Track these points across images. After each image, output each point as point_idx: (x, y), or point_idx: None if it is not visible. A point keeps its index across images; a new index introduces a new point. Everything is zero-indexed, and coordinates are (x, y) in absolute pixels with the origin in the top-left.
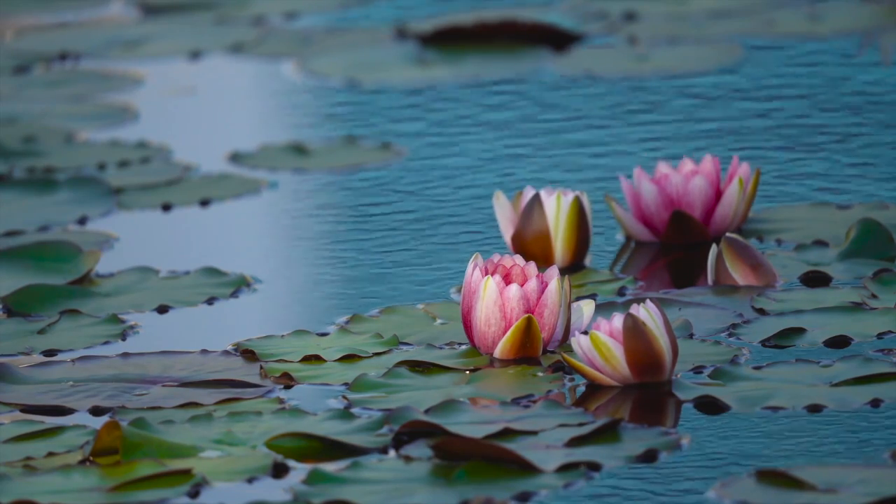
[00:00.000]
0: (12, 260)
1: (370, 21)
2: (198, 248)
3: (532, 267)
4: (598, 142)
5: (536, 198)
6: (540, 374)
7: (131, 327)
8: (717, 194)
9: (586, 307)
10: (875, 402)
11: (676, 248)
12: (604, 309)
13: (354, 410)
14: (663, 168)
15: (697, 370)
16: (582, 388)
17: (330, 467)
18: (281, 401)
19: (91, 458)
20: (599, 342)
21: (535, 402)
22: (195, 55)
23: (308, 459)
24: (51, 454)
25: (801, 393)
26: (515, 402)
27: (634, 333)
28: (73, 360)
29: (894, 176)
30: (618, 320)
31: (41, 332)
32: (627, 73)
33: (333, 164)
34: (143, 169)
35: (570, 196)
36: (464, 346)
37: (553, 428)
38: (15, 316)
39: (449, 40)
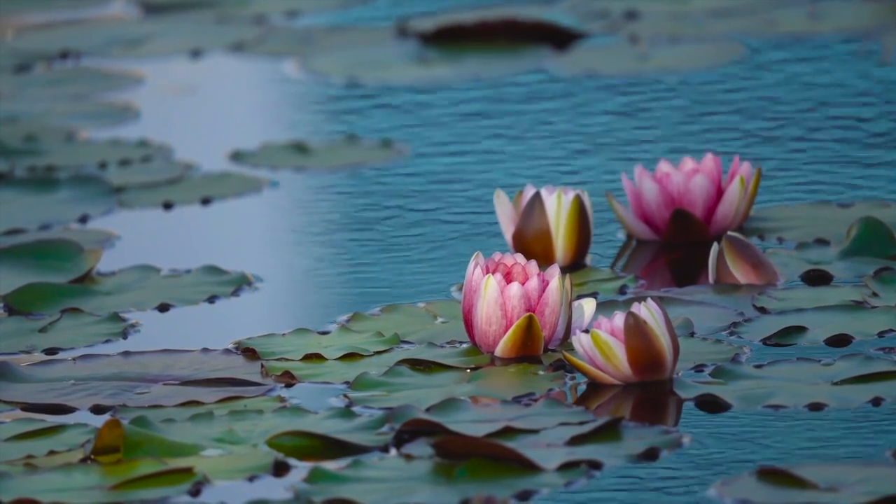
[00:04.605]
0: (13, 258)
1: (371, 20)
2: (199, 246)
3: (533, 265)
4: (599, 140)
5: (537, 196)
6: (541, 372)
7: (132, 326)
8: (719, 193)
9: (587, 306)
10: (876, 401)
11: (677, 247)
12: (605, 307)
13: (355, 409)
14: (665, 167)
15: (698, 369)
16: (583, 387)
17: (331, 466)
18: (282, 399)
19: (92, 457)
20: (600, 341)
21: (536, 400)
22: (196, 54)
23: (309, 458)
24: (52, 452)
25: (803, 391)
26: (516, 400)
27: (635, 332)
28: (74, 359)
29: (895, 174)
30: (619, 319)
31: (42, 330)
32: (628, 71)
33: (334, 163)
34: (144, 167)
35: (571, 195)
36: (465, 345)
37: (554, 426)
38: (16, 314)
39: (450, 39)
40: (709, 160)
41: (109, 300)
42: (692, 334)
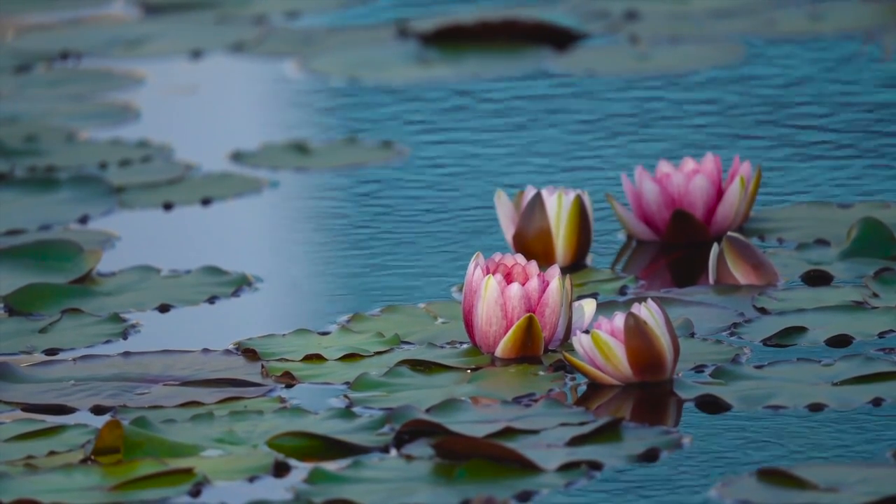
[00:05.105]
0: (14, 259)
1: (371, 20)
2: (199, 247)
3: (533, 266)
4: (600, 141)
5: (538, 197)
6: (541, 373)
7: (133, 326)
8: (719, 193)
9: (587, 306)
10: (876, 402)
11: (678, 248)
12: (605, 308)
13: (356, 409)
14: (665, 167)
15: (699, 369)
16: (583, 388)
17: (331, 466)
18: (282, 400)
19: (92, 457)
20: (601, 341)
21: (536, 401)
22: (196, 54)
23: (309, 458)
24: (52, 453)
25: (803, 392)
26: (516, 401)
27: (636, 332)
28: (74, 359)
29: (895, 175)
30: (619, 319)
31: (42, 330)
32: (629, 72)
33: (335, 164)
34: (144, 168)
35: (572, 195)
36: (465, 346)
37: (554, 427)
38: (16, 315)
39: (450, 39)
40: (709, 160)
41: (110, 301)
42: (692, 335)
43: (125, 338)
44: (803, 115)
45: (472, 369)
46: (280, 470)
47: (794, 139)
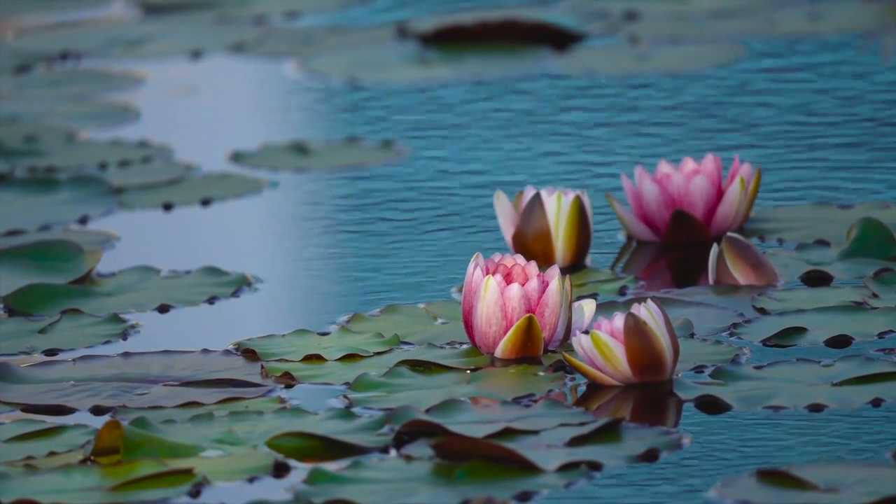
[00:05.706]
0: (13, 259)
1: (371, 20)
2: (199, 247)
3: (533, 266)
4: (600, 141)
5: (537, 197)
6: (541, 373)
7: (132, 327)
8: (719, 194)
9: (587, 307)
10: (876, 402)
11: (677, 248)
12: (605, 308)
13: (355, 410)
14: (665, 168)
15: (698, 370)
16: (583, 388)
17: (331, 467)
18: (282, 400)
19: (92, 458)
20: (600, 341)
21: (535, 401)
22: (196, 55)
23: (309, 459)
24: (52, 454)
25: (803, 392)
26: (516, 401)
27: (635, 333)
28: (74, 360)
29: (895, 175)
30: (619, 320)
31: (42, 331)
32: (628, 72)
33: (334, 164)
34: (144, 168)
35: (571, 195)
36: (465, 346)
37: (554, 427)
38: (16, 315)
39: (450, 40)
40: (709, 161)
41: (109, 301)
42: (692, 335)
43: (125, 338)
44: (803, 115)
45: (472, 370)
46: (280, 470)
47: (795, 139)
